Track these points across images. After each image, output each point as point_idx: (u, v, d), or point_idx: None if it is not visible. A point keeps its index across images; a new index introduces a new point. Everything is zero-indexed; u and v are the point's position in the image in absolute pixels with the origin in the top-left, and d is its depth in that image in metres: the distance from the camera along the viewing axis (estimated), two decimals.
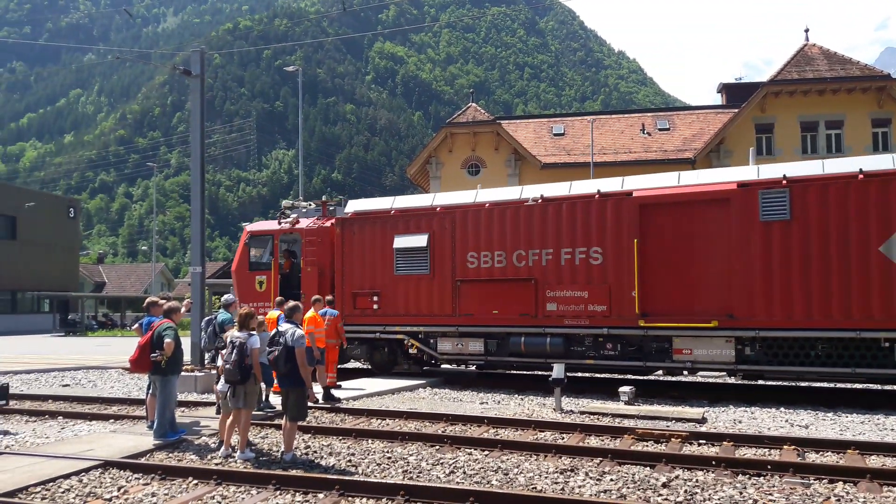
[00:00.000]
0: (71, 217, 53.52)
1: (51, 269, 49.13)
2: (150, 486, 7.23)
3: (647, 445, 9.14)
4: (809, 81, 31.76)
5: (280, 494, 6.89)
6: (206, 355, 14.16)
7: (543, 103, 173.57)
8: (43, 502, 6.72)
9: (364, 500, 6.66)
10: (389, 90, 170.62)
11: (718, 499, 6.61)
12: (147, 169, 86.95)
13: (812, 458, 8.42)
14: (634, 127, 36.60)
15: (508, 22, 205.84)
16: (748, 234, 12.43)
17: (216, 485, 7.21)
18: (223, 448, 8.57)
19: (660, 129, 36.18)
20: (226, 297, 12.68)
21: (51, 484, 7.27)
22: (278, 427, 9.68)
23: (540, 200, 14.39)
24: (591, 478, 7.38)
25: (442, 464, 8.04)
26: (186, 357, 12.34)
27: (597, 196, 13.84)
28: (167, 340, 8.98)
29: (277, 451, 8.60)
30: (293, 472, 7.47)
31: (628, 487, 7.02)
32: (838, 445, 8.73)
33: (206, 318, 12.65)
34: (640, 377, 15.75)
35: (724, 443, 9.00)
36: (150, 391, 9.93)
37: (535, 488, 7.04)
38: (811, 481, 7.19)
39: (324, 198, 18.70)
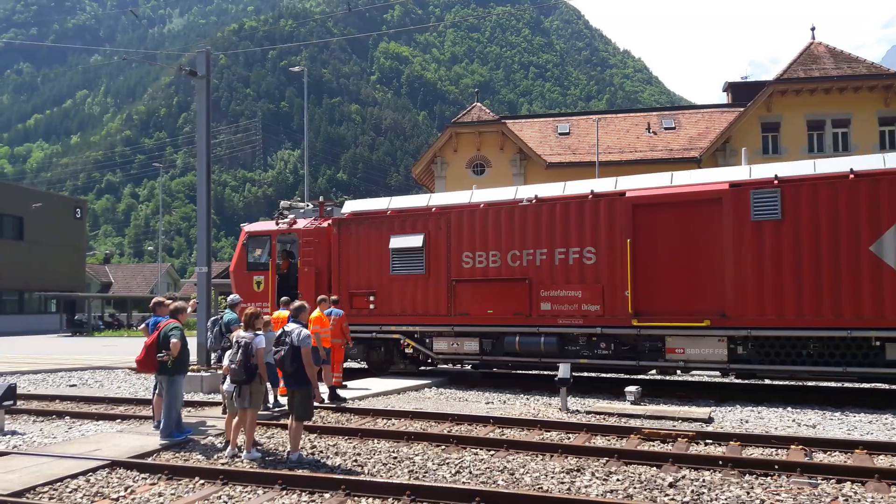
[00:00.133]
0: (77, 217, 53.70)
1: (58, 269, 49.30)
2: (157, 486, 7.24)
3: (653, 445, 9.11)
4: (816, 80, 31.66)
5: (286, 494, 6.89)
6: (213, 355, 14.22)
7: (548, 103, 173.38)
8: (51, 502, 6.74)
9: (370, 499, 6.66)
10: (394, 90, 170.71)
11: (725, 499, 6.59)
12: (153, 169, 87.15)
13: (820, 457, 8.39)
14: (640, 126, 36.53)
15: (513, 21, 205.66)
16: (740, 233, 12.51)
17: (222, 484, 7.22)
18: (229, 448, 8.58)
19: (665, 128, 36.11)
20: (232, 297, 12.73)
21: (58, 484, 7.30)
22: (284, 427, 9.70)
23: (534, 201, 14.47)
24: (597, 478, 7.37)
25: (448, 464, 8.04)
26: (193, 357, 12.37)
27: (590, 196, 13.92)
28: (173, 340, 9.00)
29: (283, 450, 8.61)
30: (299, 472, 7.48)
31: (635, 487, 7.00)
32: (846, 445, 8.70)
33: (213, 318, 12.69)
34: (647, 377, 15.75)
35: (731, 443, 8.97)
36: (157, 391, 9.95)
37: (542, 488, 7.03)
38: (819, 481, 7.16)
39: (321, 198, 18.80)
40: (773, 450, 8.75)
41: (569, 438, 9.55)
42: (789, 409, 11.82)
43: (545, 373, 16.09)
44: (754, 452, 8.65)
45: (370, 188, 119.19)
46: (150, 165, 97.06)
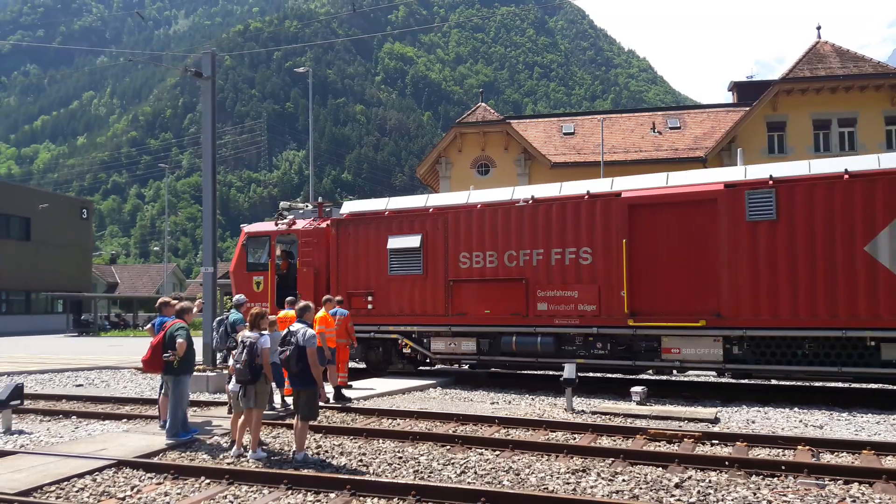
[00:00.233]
0: (84, 218, 53.87)
1: (64, 269, 49.47)
2: (163, 486, 7.26)
3: (659, 446, 9.09)
4: (822, 79, 31.56)
5: (292, 494, 6.90)
6: (218, 355, 14.24)
7: (553, 103, 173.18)
8: (58, 501, 6.76)
9: (375, 499, 6.66)
10: (399, 90, 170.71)
11: (732, 499, 6.57)
12: (159, 170, 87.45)
13: (827, 458, 8.36)
14: (645, 126, 36.46)
15: (518, 21, 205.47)
16: (735, 234, 12.55)
17: (228, 484, 7.23)
18: (235, 447, 8.60)
19: (670, 128, 36.04)
20: (237, 297, 12.74)
21: (65, 483, 7.32)
22: (290, 427, 9.71)
23: (531, 201, 14.53)
24: (602, 478, 7.36)
25: (453, 464, 8.03)
26: (198, 357, 12.39)
27: (586, 197, 13.97)
28: (179, 340, 9.01)
29: (289, 450, 8.62)
30: (305, 472, 7.48)
31: (640, 488, 6.98)
32: (853, 446, 8.66)
33: (218, 318, 12.71)
34: (654, 378, 15.74)
35: (738, 443, 8.94)
36: (163, 391, 9.98)
37: (547, 488, 7.02)
38: (826, 482, 7.14)
39: (320, 199, 18.88)
40: (780, 450, 8.72)
41: (574, 439, 9.53)
42: (796, 409, 11.78)
43: (541, 372, 16.13)
44: (761, 453, 8.62)
45: (375, 188, 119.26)
46: (155, 166, 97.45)
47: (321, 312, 12.68)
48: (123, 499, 6.86)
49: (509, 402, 13.08)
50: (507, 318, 14.54)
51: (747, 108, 33.35)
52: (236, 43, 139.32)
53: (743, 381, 15.30)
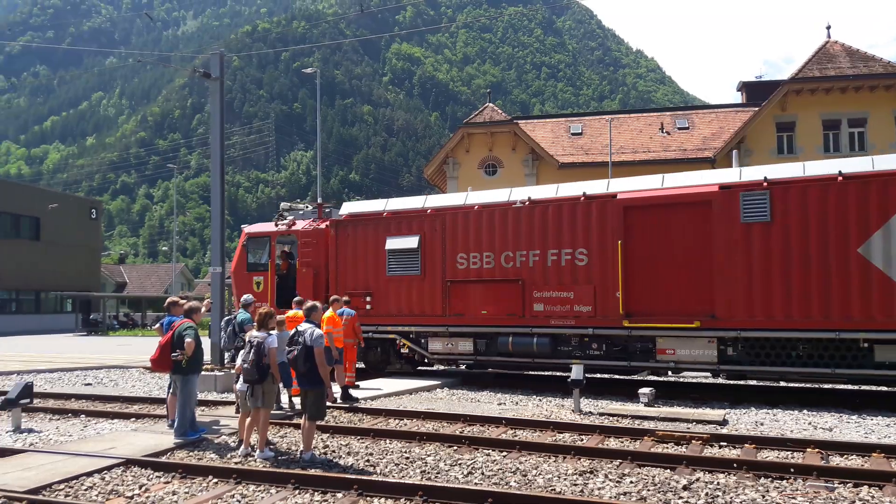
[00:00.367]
0: (93, 218, 54.09)
1: (73, 269, 49.68)
2: (171, 485, 7.28)
3: (667, 447, 9.07)
4: (831, 79, 31.40)
5: (299, 494, 6.91)
6: (226, 355, 14.28)
7: (561, 103, 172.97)
8: (66, 500, 6.79)
9: (382, 500, 6.66)
10: (406, 91, 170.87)
11: (740, 502, 6.54)
12: (167, 170, 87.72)
13: (836, 461, 8.30)
14: (653, 126, 36.37)
15: (525, 22, 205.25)
16: (729, 235, 12.58)
17: (236, 483, 7.25)
18: (242, 447, 8.61)
19: (679, 128, 35.93)
20: (245, 296, 12.77)
21: (74, 481, 7.36)
22: (297, 426, 9.72)
23: (527, 203, 14.59)
24: (610, 480, 7.34)
25: (460, 464, 8.03)
26: (206, 356, 12.42)
27: (582, 198, 14.04)
28: (188, 340, 9.04)
29: (296, 450, 8.64)
30: (312, 472, 7.49)
31: (648, 490, 6.96)
32: (863, 448, 8.60)
33: (226, 318, 12.74)
34: (662, 379, 15.70)
35: (746, 445, 8.91)
36: (171, 390, 10.00)
37: (554, 490, 7.01)
38: (835, 485, 7.10)
39: (319, 200, 18.97)
40: (789, 453, 8.68)
41: (582, 440, 9.51)
42: (805, 411, 11.73)
43: (548, 373, 16.11)
44: (770, 455, 8.58)
45: (382, 189, 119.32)
46: (164, 166, 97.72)
47: (328, 312, 12.69)
48: (132, 497, 6.88)
49: (516, 402, 13.06)
50: (503, 318, 14.62)
51: (756, 109, 33.21)
52: (244, 44, 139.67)
53: (751, 383, 15.23)
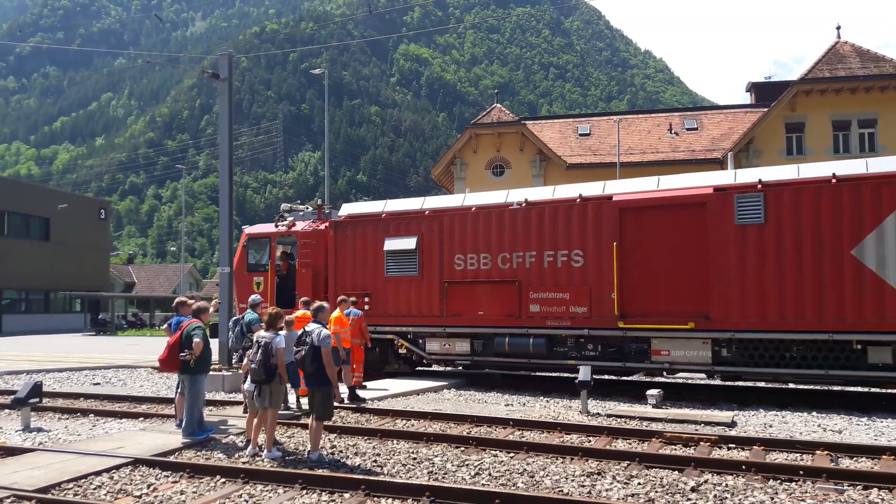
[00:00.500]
0: (102, 218, 54.35)
1: (82, 269, 49.93)
2: (179, 484, 7.30)
3: (675, 449, 9.03)
4: (841, 79, 31.25)
5: (306, 494, 6.91)
6: (234, 355, 14.31)
7: (569, 103, 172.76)
8: (75, 499, 6.81)
9: (390, 500, 6.66)
10: (414, 92, 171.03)
11: None
12: (176, 171, 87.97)
13: (846, 463, 8.26)
14: (662, 127, 36.28)
15: (533, 22, 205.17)
16: (724, 237, 12.61)
17: (243, 483, 7.26)
18: (250, 447, 8.63)
19: (687, 129, 35.83)
20: (253, 297, 12.80)
21: (83, 480, 7.38)
22: (305, 427, 9.73)
23: (524, 204, 14.67)
24: (618, 481, 7.32)
25: (467, 465, 8.02)
26: (214, 357, 12.45)
27: (578, 200, 14.11)
28: (196, 340, 9.06)
29: (304, 450, 8.65)
30: (319, 472, 7.50)
31: (656, 491, 6.93)
32: (873, 451, 8.55)
33: (234, 318, 12.77)
34: (667, 380, 15.66)
35: (755, 447, 8.86)
36: (179, 390, 10.03)
37: (562, 491, 6.99)
38: (845, 487, 7.06)
39: (319, 201, 19.12)
40: (798, 455, 8.64)
41: (589, 441, 9.49)
42: (814, 413, 11.67)
43: (556, 374, 16.07)
44: (778, 457, 8.54)
45: (390, 189, 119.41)
46: (172, 167, 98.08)
47: (336, 313, 12.71)
48: (140, 497, 6.90)
49: (524, 404, 13.04)
50: (500, 319, 14.67)
51: (765, 109, 33.08)
52: (253, 44, 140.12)
53: (760, 385, 15.18)
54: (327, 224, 17.12)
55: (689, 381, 15.85)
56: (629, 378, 15.98)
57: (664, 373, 14.22)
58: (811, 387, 14.59)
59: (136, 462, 8.02)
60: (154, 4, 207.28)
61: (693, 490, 6.94)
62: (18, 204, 45.62)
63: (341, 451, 8.72)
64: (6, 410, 12.20)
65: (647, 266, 13.26)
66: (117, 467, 7.85)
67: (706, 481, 7.28)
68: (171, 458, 8.25)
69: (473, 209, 15.21)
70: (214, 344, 11.43)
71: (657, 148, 34.89)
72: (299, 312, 12.17)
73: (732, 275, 12.50)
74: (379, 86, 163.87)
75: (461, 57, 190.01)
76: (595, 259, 13.72)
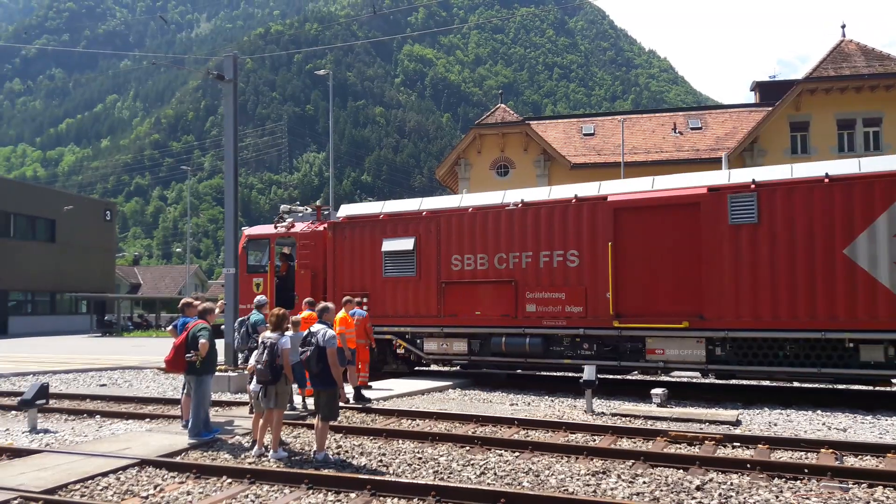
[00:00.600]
0: (107, 220, 54.50)
1: (88, 270, 50.09)
2: (186, 485, 7.33)
3: (680, 448, 9.04)
4: (846, 78, 31.15)
5: (312, 494, 6.94)
6: (240, 356, 14.34)
7: (573, 103, 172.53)
8: (82, 500, 6.85)
9: (395, 500, 6.68)
10: (418, 92, 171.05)
11: (754, 502, 6.52)
12: (181, 172, 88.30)
13: (851, 461, 8.25)
14: (666, 126, 36.23)
15: (537, 22, 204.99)
16: (718, 237, 12.70)
17: (250, 484, 7.29)
18: (256, 447, 8.66)
19: (692, 129, 35.77)
20: (258, 298, 12.83)
21: (89, 481, 7.42)
22: (310, 427, 9.76)
23: (520, 205, 14.75)
24: (623, 480, 7.33)
25: (472, 465, 8.04)
26: (220, 357, 12.49)
27: (574, 200, 14.19)
28: (202, 341, 9.10)
29: (310, 450, 8.68)
30: (325, 472, 7.52)
31: (661, 490, 6.94)
32: (878, 449, 8.54)
33: (239, 319, 12.80)
34: (674, 379, 15.65)
35: (760, 446, 8.87)
36: (185, 391, 10.07)
37: (567, 490, 7.01)
38: (850, 485, 7.06)
39: (317, 202, 19.16)
40: (803, 453, 8.64)
41: (594, 440, 9.50)
42: (819, 411, 11.66)
43: (560, 374, 16.10)
44: (783, 456, 8.54)
45: (394, 190, 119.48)
46: (178, 168, 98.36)
47: (341, 313, 12.73)
48: (147, 497, 6.94)
49: (528, 403, 13.05)
50: (497, 319, 14.77)
51: (770, 108, 33.01)
52: (257, 46, 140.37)
53: (765, 384, 15.16)
54: (326, 225, 17.22)
55: (694, 381, 15.84)
56: (634, 377, 15.99)
57: (660, 371, 14.30)
58: (816, 385, 14.57)
59: (143, 463, 8.06)
60: (159, 6, 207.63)
61: (698, 489, 6.95)
62: (24, 206, 45.79)
63: (347, 451, 8.75)
64: (13, 412, 12.27)
65: (642, 266, 13.37)
66: (124, 468, 7.89)
67: (711, 480, 7.29)
68: (178, 459, 8.29)
69: (470, 210, 15.30)
70: (220, 344, 11.47)
71: (661, 147, 34.85)
72: (305, 313, 12.21)
73: (726, 274, 12.61)
74: (383, 86, 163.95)
75: (465, 57, 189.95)
76: (590, 259, 13.83)
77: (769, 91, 37.28)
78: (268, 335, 8.65)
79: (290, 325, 9.11)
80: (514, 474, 7.61)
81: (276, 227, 18.06)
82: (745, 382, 15.48)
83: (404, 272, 15.83)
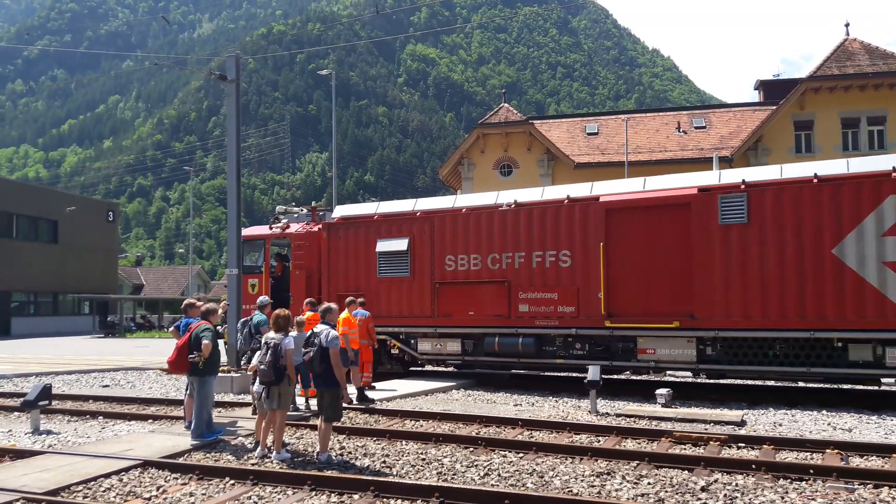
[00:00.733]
0: (110, 220, 54.55)
1: (91, 271, 50.14)
2: (188, 486, 7.31)
3: (685, 448, 9.00)
4: (850, 77, 31.06)
5: (315, 495, 6.91)
6: (243, 357, 14.33)
7: (576, 103, 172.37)
8: (85, 501, 6.84)
9: (399, 501, 6.66)
10: (421, 92, 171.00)
11: (759, 503, 6.48)
12: (183, 173, 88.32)
13: (856, 462, 8.21)
14: (670, 125, 36.17)
15: (541, 21, 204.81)
16: (708, 237, 12.77)
17: (252, 485, 7.27)
18: (259, 448, 8.64)
19: (696, 128, 35.70)
20: (261, 298, 12.82)
21: (92, 483, 7.40)
22: (313, 428, 9.74)
23: (513, 206, 14.81)
24: (628, 481, 7.29)
25: (476, 466, 8.01)
26: (223, 358, 12.48)
27: (566, 201, 14.27)
28: (205, 342, 9.08)
29: (313, 451, 8.65)
30: (328, 473, 7.50)
31: (666, 491, 6.91)
32: (883, 450, 8.50)
33: (242, 320, 12.79)
34: (679, 379, 15.62)
35: (765, 446, 8.83)
36: (188, 392, 10.05)
37: (571, 491, 6.97)
38: (855, 486, 7.01)
39: (313, 203, 19.26)
40: (808, 454, 8.60)
41: (599, 441, 9.47)
42: (824, 412, 11.62)
43: (564, 374, 16.08)
44: (788, 456, 8.50)
45: (397, 190, 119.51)
46: (180, 169, 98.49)
47: (344, 314, 12.71)
48: (149, 499, 6.92)
49: (532, 403, 13.02)
50: (490, 319, 14.85)
51: (774, 107, 32.93)
52: (260, 46, 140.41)
53: (769, 384, 15.12)
54: (321, 226, 17.25)
55: (699, 381, 15.80)
56: (639, 377, 15.95)
57: (650, 371, 14.38)
58: (821, 385, 14.53)
59: (146, 464, 8.04)
60: (161, 7, 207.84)
61: (703, 489, 6.91)
62: (27, 207, 45.85)
63: (350, 452, 8.72)
64: (16, 413, 12.27)
65: (634, 266, 13.44)
66: (126, 469, 7.87)
67: (716, 481, 7.25)
68: (181, 460, 8.27)
69: (464, 210, 15.37)
70: (222, 345, 11.45)
71: (665, 147, 34.79)
72: (308, 314, 12.20)
73: (716, 274, 12.67)
74: (386, 86, 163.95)
75: (468, 57, 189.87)
76: (582, 259, 13.90)
77: (773, 90, 37.20)
78: (271, 336, 8.63)
79: (294, 326, 9.09)
80: (518, 475, 7.58)
81: (271, 228, 18.17)
82: (749, 382, 15.44)
83: (398, 273, 15.90)
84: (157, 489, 7.20)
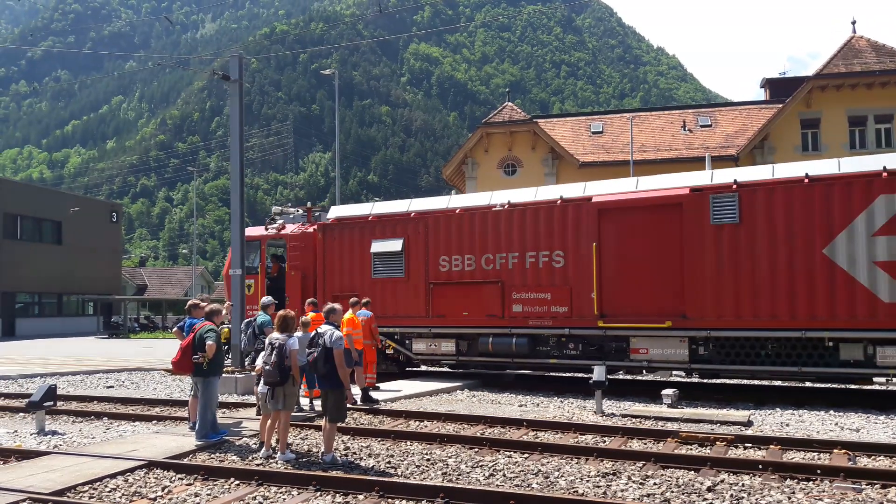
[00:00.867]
0: (113, 221, 54.61)
1: (95, 272, 50.18)
2: (193, 487, 7.30)
3: (691, 449, 8.97)
4: (857, 75, 30.95)
5: (320, 495, 6.90)
6: (247, 357, 14.32)
7: (581, 101, 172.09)
8: (91, 501, 6.83)
9: (404, 501, 6.64)
10: (425, 91, 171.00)
11: (766, 503, 6.44)
12: (187, 173, 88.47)
13: (864, 462, 8.17)
14: (675, 124, 36.07)
15: (544, 20, 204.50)
16: (700, 237, 12.82)
17: (257, 485, 7.26)
18: (264, 449, 8.63)
19: (701, 126, 35.60)
20: (264, 299, 12.80)
21: (98, 483, 7.40)
22: (318, 428, 9.73)
23: (507, 206, 14.86)
24: (633, 482, 7.26)
25: (481, 466, 7.98)
26: (227, 359, 12.48)
27: (559, 202, 14.33)
28: (209, 343, 9.07)
29: (317, 452, 8.64)
30: (333, 474, 7.49)
31: (672, 492, 6.87)
32: (891, 449, 8.46)
33: (246, 321, 12.78)
34: (682, 379, 15.58)
35: (771, 446, 8.79)
36: (193, 392, 10.05)
37: (577, 492, 6.95)
38: (863, 486, 6.97)
39: (308, 204, 19.31)
40: (815, 454, 8.56)
41: (604, 442, 9.44)
42: (831, 412, 11.57)
43: (570, 375, 16.06)
44: (795, 456, 8.46)
45: (401, 190, 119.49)
46: (183, 169, 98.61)
47: (348, 314, 12.70)
48: (154, 499, 6.91)
49: (537, 404, 12.99)
50: (484, 319, 14.92)
51: (780, 105, 32.81)
52: (262, 46, 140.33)
53: (776, 384, 15.06)
54: (316, 227, 17.28)
55: (705, 381, 15.75)
56: (644, 378, 15.91)
57: (643, 371, 14.40)
58: (828, 385, 14.48)
59: (151, 464, 8.04)
60: (164, 7, 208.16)
61: (709, 490, 6.88)
62: (31, 208, 45.91)
63: (355, 453, 8.70)
64: (21, 414, 12.28)
65: (626, 266, 13.48)
66: (132, 470, 7.87)
67: (722, 481, 7.22)
68: (185, 461, 8.27)
69: (458, 211, 15.42)
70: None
71: (671, 145, 34.69)
72: (311, 314, 12.18)
73: (708, 274, 12.70)
74: (389, 85, 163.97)
75: (472, 56, 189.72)
76: (575, 259, 13.94)
77: (779, 88, 37.04)
78: (276, 336, 8.61)
79: (300, 326, 9.07)
80: (523, 476, 7.55)
81: (267, 229, 18.20)
82: (756, 383, 15.39)
83: (393, 273, 15.95)
84: (163, 489, 7.19)
